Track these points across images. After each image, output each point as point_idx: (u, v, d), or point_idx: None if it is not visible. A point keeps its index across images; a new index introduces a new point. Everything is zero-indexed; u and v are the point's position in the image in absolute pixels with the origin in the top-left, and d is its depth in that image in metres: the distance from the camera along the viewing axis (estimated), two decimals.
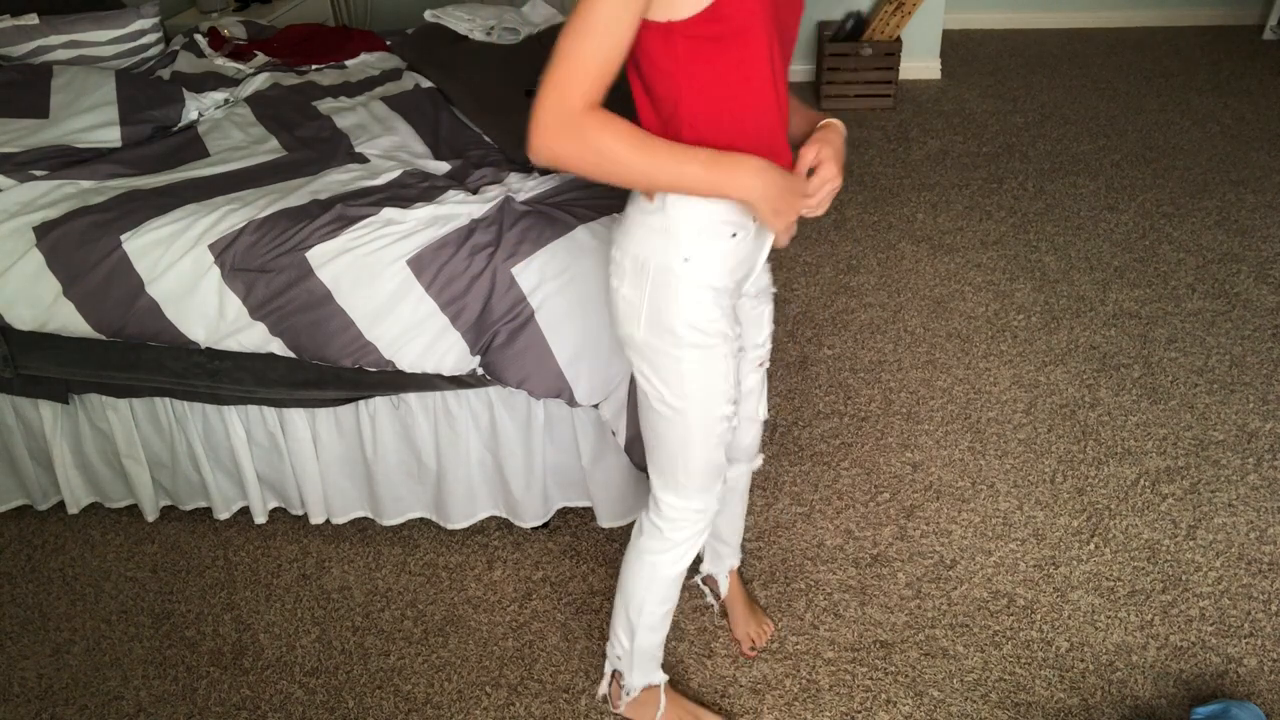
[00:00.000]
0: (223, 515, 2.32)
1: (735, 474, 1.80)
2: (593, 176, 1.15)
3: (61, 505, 2.45)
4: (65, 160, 2.17)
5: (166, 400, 2.17)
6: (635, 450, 1.97)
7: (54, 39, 2.65)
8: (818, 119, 1.38)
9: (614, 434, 1.97)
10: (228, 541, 2.33)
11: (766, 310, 1.57)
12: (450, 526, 2.24)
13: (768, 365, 1.66)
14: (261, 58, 2.85)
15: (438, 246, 1.85)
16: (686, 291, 1.30)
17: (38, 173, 2.11)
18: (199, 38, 2.91)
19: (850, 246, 3.30)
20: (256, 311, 1.91)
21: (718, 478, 1.50)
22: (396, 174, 2.08)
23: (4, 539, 2.39)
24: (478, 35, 2.92)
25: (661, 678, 1.77)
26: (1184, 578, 2.07)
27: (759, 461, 1.82)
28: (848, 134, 1.45)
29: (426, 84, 2.58)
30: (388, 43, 2.95)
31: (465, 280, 1.84)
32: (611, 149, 1.12)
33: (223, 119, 2.41)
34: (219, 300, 1.91)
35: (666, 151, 1.15)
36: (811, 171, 1.30)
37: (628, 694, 1.78)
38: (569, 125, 1.09)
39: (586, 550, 2.23)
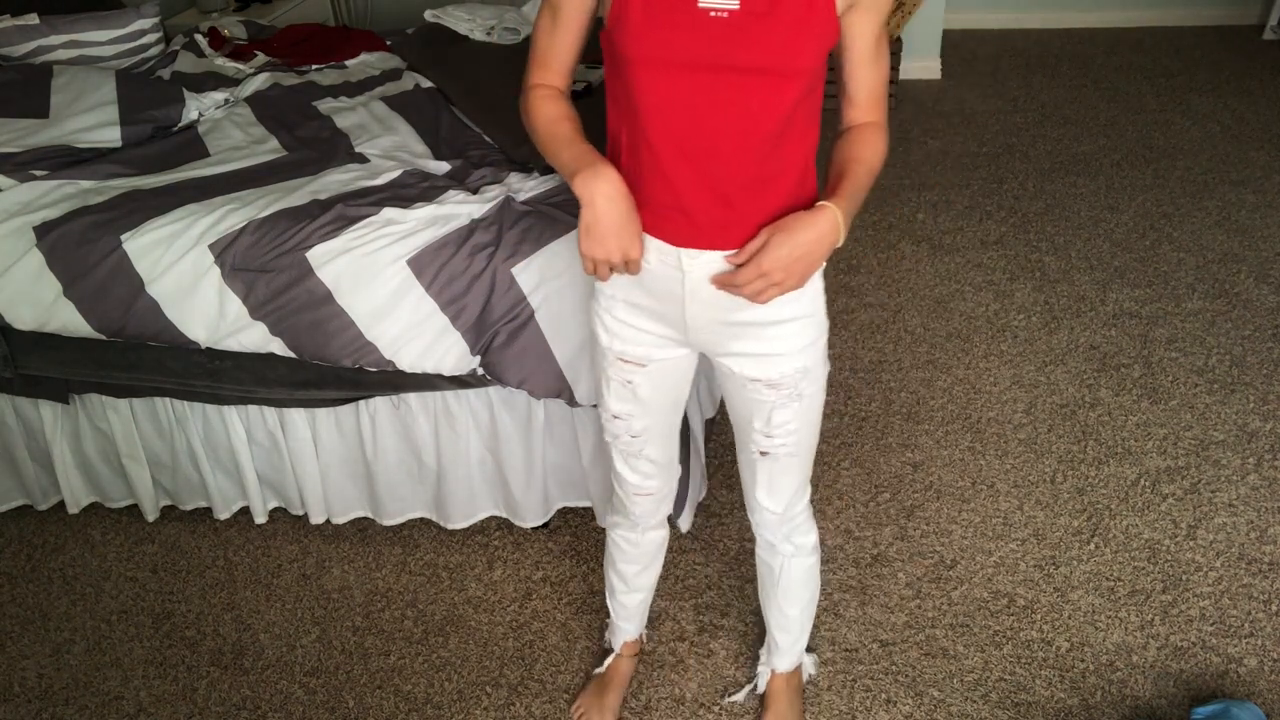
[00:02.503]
0: (223, 515, 2.32)
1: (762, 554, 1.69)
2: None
3: (61, 505, 2.45)
4: (65, 160, 2.17)
5: (167, 400, 2.17)
6: None
7: (54, 39, 2.65)
8: (822, 197, 1.25)
9: None
10: (228, 541, 2.33)
11: (764, 399, 1.41)
12: (450, 526, 2.24)
13: (775, 454, 1.48)
14: (262, 58, 2.85)
15: (438, 246, 1.85)
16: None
17: (38, 173, 2.11)
18: (199, 38, 2.90)
19: (850, 246, 3.30)
20: (256, 311, 1.91)
21: (616, 472, 1.60)
22: (397, 174, 2.08)
23: (4, 539, 2.39)
24: (478, 35, 2.92)
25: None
26: (1184, 578, 2.07)
27: (781, 541, 1.62)
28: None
29: (427, 84, 2.58)
30: (388, 43, 2.95)
31: (465, 280, 1.84)
32: (529, 122, 1.32)
33: (223, 119, 2.41)
34: (219, 300, 1.91)
35: (560, 138, 1.27)
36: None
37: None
38: (520, 99, 1.35)
39: (587, 550, 2.23)
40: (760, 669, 1.84)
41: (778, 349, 1.36)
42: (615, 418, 1.50)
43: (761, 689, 1.83)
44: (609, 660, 1.91)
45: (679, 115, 1.18)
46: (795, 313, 1.35)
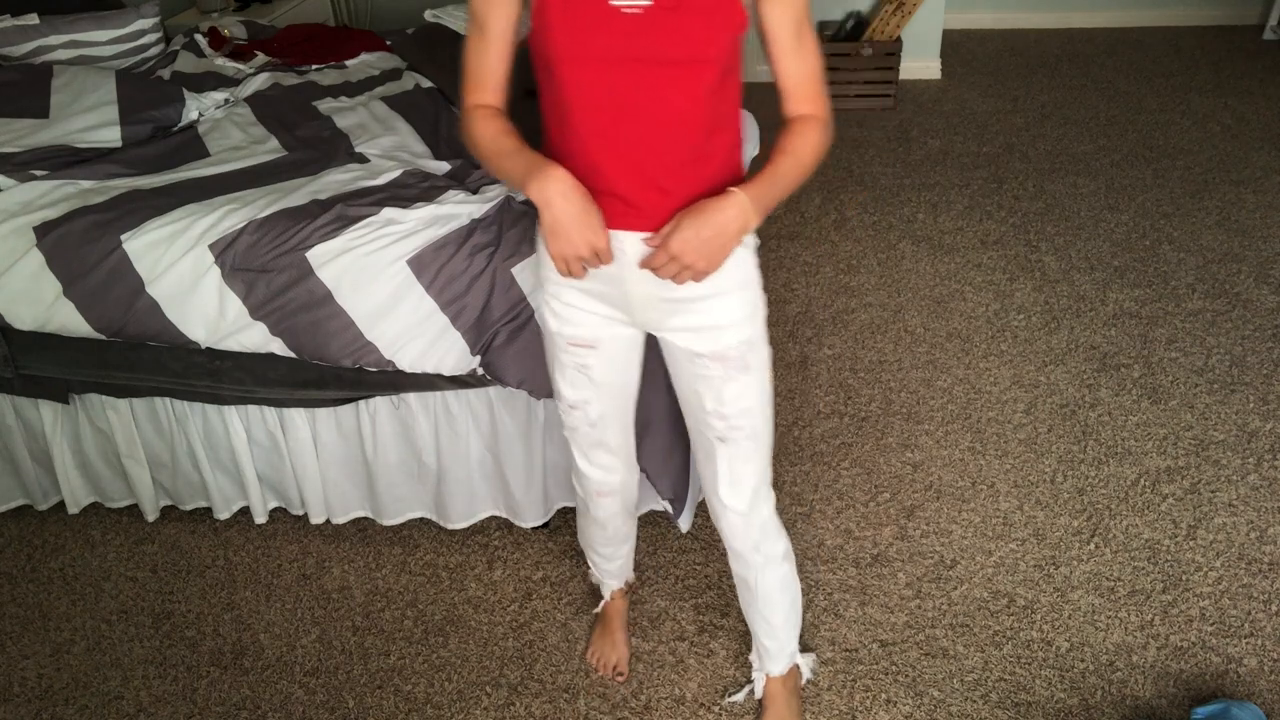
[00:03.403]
0: (223, 515, 2.32)
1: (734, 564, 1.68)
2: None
3: (61, 505, 2.45)
4: (65, 160, 2.17)
5: (167, 400, 2.17)
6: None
7: (54, 39, 2.65)
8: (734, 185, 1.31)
9: None
10: (228, 541, 2.33)
11: (712, 375, 1.45)
12: (450, 526, 2.24)
13: (729, 440, 1.50)
14: (262, 58, 2.85)
15: (438, 246, 1.85)
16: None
17: (38, 173, 2.11)
18: (199, 38, 2.90)
19: (850, 246, 3.30)
20: (257, 311, 1.91)
21: (577, 469, 1.65)
22: (397, 174, 2.08)
23: (4, 539, 2.39)
24: None
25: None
26: (1184, 578, 2.07)
27: (752, 550, 1.62)
28: (819, 154, 1.36)
29: (427, 84, 2.58)
30: (388, 43, 2.95)
31: (465, 280, 1.84)
32: (472, 143, 1.35)
33: (223, 119, 2.41)
34: (219, 300, 1.91)
35: (504, 152, 1.31)
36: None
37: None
38: (460, 122, 1.39)
39: None
40: (755, 675, 1.83)
41: (718, 320, 1.42)
42: (572, 407, 1.56)
43: (759, 694, 1.83)
44: (602, 603, 2.00)
45: (603, 107, 1.26)
46: (728, 285, 1.41)
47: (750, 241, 1.45)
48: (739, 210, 1.26)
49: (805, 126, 1.33)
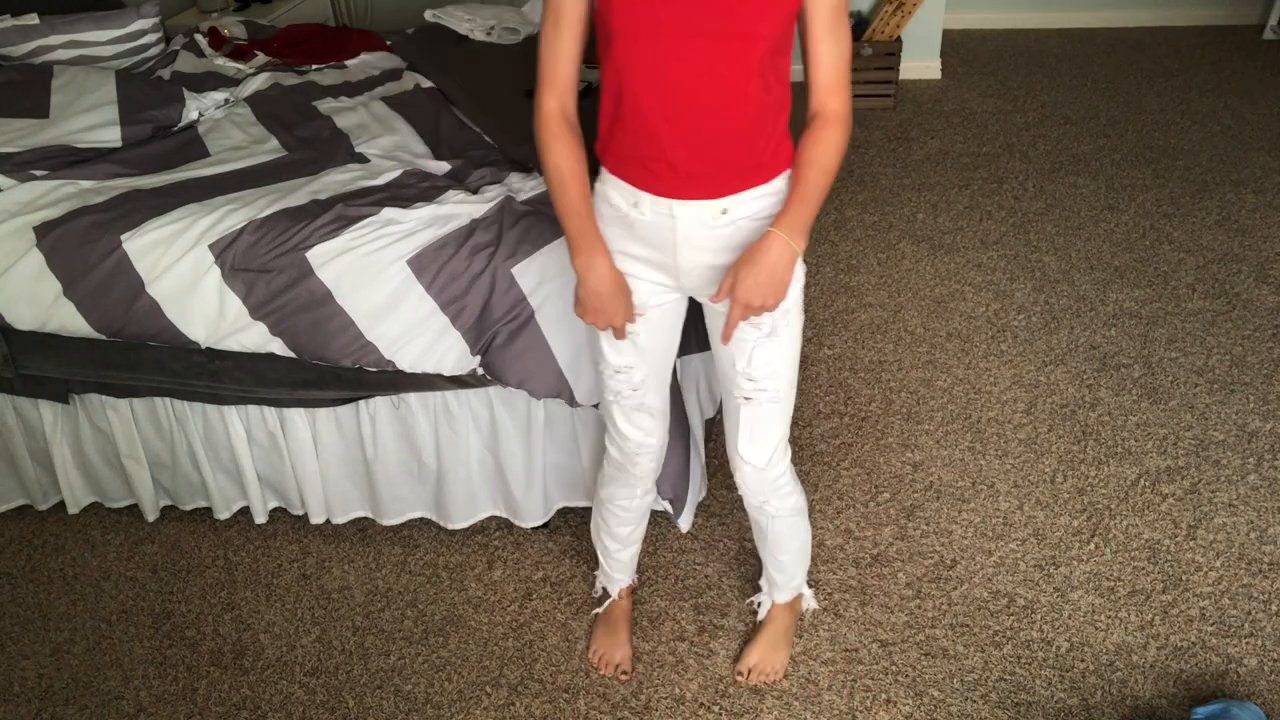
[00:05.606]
0: (223, 515, 2.32)
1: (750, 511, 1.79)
2: None
3: (61, 505, 2.45)
4: (65, 160, 2.17)
5: (167, 400, 2.17)
6: None
7: (54, 39, 2.65)
8: (772, 226, 1.40)
9: None
10: (228, 541, 2.33)
11: (746, 338, 1.54)
12: (450, 526, 2.24)
13: (754, 401, 1.60)
14: (262, 58, 2.85)
15: (438, 246, 1.85)
16: None
17: (38, 173, 2.12)
18: (199, 38, 2.90)
19: (850, 246, 3.30)
20: (256, 311, 1.91)
21: (619, 432, 1.70)
22: (397, 174, 2.09)
23: (4, 539, 2.39)
24: (478, 35, 2.92)
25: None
26: (1184, 578, 2.07)
27: (762, 504, 1.73)
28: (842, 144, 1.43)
29: (427, 84, 2.58)
30: (388, 43, 2.95)
31: (465, 280, 1.84)
32: (541, 156, 1.44)
33: (223, 119, 2.41)
34: (219, 300, 1.91)
35: (567, 204, 1.44)
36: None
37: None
38: (534, 119, 1.45)
39: (586, 550, 2.23)
40: (760, 598, 1.96)
41: None
42: (617, 372, 1.62)
43: (762, 616, 1.96)
44: (608, 603, 2.01)
45: (659, 79, 1.32)
46: None
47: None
48: (783, 246, 1.39)
49: (825, 131, 1.38)
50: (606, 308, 1.48)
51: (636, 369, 1.61)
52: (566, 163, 1.42)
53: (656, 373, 1.64)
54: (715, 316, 1.59)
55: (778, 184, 1.45)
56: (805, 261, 3.23)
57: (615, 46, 1.33)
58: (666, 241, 1.46)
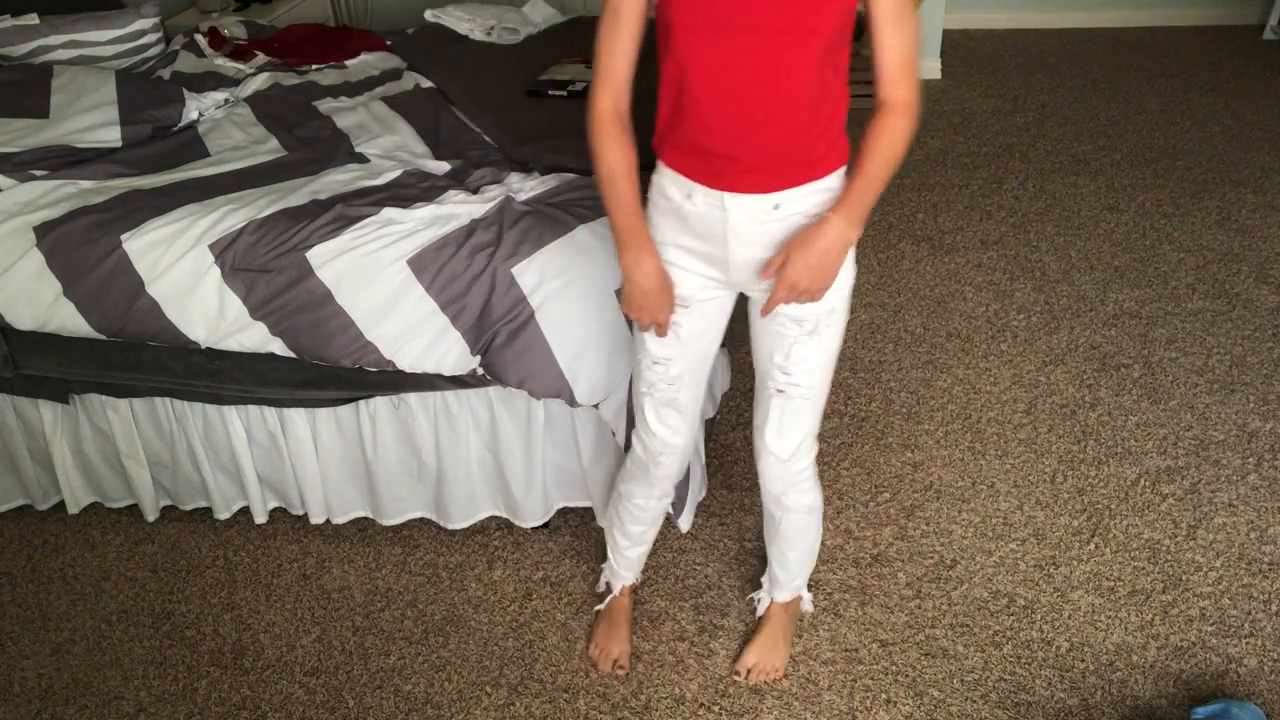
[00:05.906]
0: (223, 515, 2.32)
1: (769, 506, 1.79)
2: None
3: (61, 505, 2.45)
4: (65, 160, 2.17)
5: (167, 400, 2.17)
6: None
7: (54, 39, 2.65)
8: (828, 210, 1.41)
9: (614, 434, 1.97)
10: (228, 541, 2.33)
11: (788, 334, 1.55)
12: (450, 526, 2.24)
13: (786, 394, 1.60)
14: (262, 58, 2.85)
15: (438, 246, 1.85)
16: None
17: (38, 173, 2.12)
18: (199, 38, 2.91)
19: None
20: (256, 311, 1.91)
21: (647, 427, 1.69)
22: (397, 174, 2.09)
23: (4, 539, 2.39)
24: (478, 35, 2.92)
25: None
26: (1184, 578, 2.07)
27: (779, 496, 1.74)
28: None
29: (427, 84, 2.58)
30: (388, 43, 2.96)
31: (465, 280, 1.84)
32: (594, 155, 1.45)
33: (223, 119, 2.41)
34: (219, 300, 1.91)
35: (618, 201, 1.45)
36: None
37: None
38: (588, 117, 1.44)
39: (587, 550, 2.23)
40: (760, 595, 1.97)
41: None
42: (655, 363, 1.61)
43: (760, 613, 1.97)
44: (609, 599, 2.02)
45: (717, 72, 1.32)
46: None
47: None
48: (838, 232, 1.39)
49: (890, 119, 1.38)
50: (652, 305, 1.49)
51: (675, 361, 1.61)
52: (619, 162, 1.43)
53: (694, 369, 1.63)
54: (760, 308, 1.59)
55: (831, 181, 1.44)
56: None
57: (675, 39, 1.34)
58: (717, 234, 1.46)
